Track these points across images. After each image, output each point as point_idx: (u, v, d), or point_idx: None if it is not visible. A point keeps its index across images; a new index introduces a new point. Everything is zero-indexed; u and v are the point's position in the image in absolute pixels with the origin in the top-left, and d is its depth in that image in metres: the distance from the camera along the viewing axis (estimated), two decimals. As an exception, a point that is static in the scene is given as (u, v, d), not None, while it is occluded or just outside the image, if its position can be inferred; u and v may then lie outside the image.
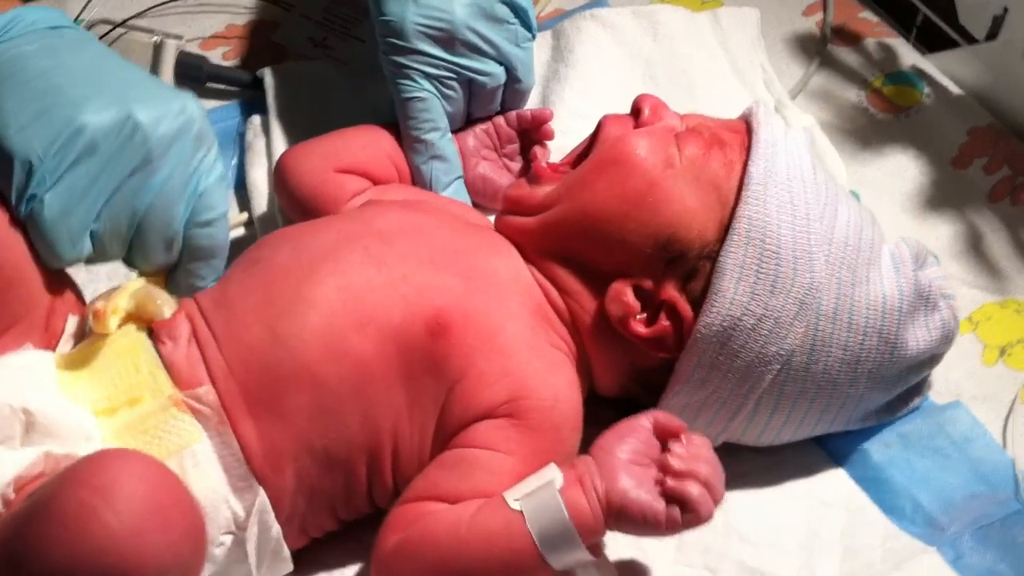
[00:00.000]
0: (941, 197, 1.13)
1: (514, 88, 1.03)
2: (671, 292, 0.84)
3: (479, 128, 1.04)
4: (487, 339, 0.81)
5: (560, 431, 0.81)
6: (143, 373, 0.78)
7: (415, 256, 0.83)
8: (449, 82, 0.98)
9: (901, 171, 1.15)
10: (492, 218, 0.96)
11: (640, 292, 0.84)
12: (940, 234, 1.10)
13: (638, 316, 0.84)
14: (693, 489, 0.75)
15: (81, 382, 0.78)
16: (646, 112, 0.88)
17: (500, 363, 0.80)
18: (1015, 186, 1.12)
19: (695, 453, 0.77)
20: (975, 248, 1.09)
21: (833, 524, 0.90)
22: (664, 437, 0.79)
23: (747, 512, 0.89)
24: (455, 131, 1.02)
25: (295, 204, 0.95)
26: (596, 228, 0.85)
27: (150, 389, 0.77)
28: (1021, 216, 1.11)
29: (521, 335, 0.83)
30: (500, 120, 1.04)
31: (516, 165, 1.06)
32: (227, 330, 0.80)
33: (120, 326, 0.80)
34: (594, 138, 0.90)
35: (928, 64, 1.23)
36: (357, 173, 0.95)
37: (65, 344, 0.82)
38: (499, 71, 1.01)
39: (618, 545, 0.86)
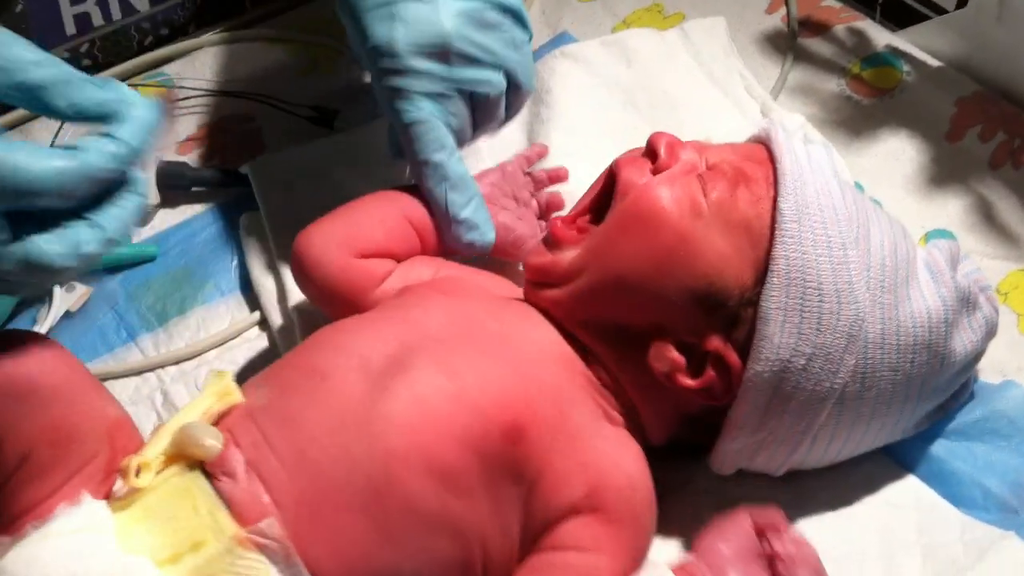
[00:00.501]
0: (942, 173, 1.12)
1: (516, 93, 0.98)
2: (715, 343, 0.81)
3: (491, 177, 1.01)
4: (558, 434, 0.79)
5: (641, 517, 0.81)
6: (202, 514, 0.75)
7: (477, 359, 0.81)
8: (450, 98, 0.93)
9: (897, 154, 1.15)
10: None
11: (683, 346, 0.82)
12: (950, 210, 1.09)
13: (683, 369, 0.82)
14: None
15: (140, 528, 0.75)
16: (662, 154, 0.85)
17: (575, 457, 0.79)
18: (1013, 149, 1.12)
19: (801, 555, 0.77)
20: (987, 218, 1.09)
21: (907, 526, 0.88)
22: (763, 532, 0.79)
23: (819, 530, 0.87)
24: (464, 148, 0.97)
25: (321, 297, 0.92)
26: (630, 291, 0.82)
27: (212, 531, 0.74)
28: (1026, 178, 1.11)
29: (584, 422, 0.81)
30: (513, 165, 1.02)
31: (531, 213, 1.03)
32: (297, 456, 0.77)
33: (166, 466, 0.77)
34: (607, 183, 0.87)
35: (902, 41, 1.23)
36: (379, 255, 0.92)
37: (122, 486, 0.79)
38: (499, 78, 0.95)
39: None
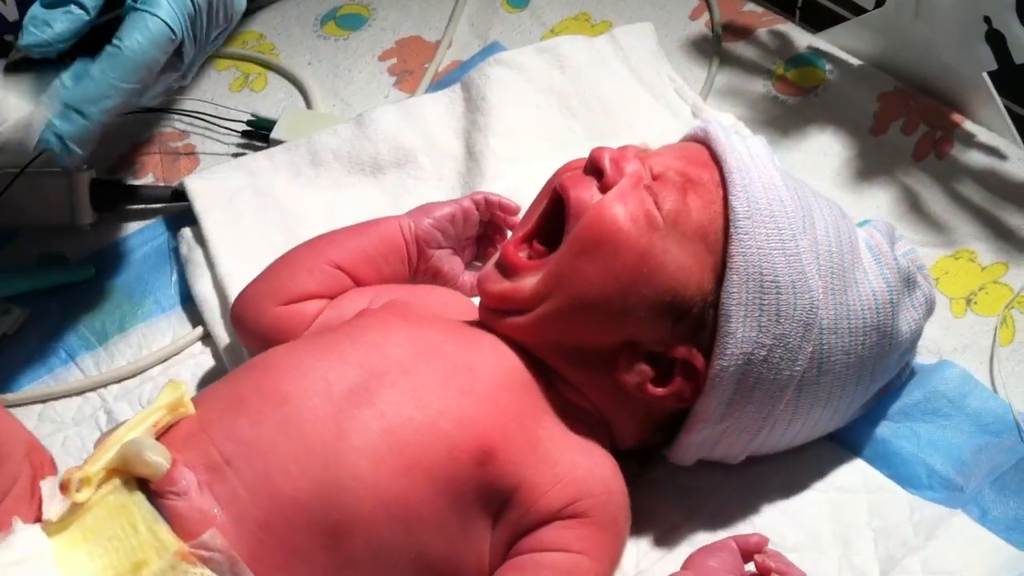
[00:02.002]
0: (869, 166, 1.16)
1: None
2: (681, 350, 0.82)
3: (438, 213, 0.99)
4: (530, 452, 0.80)
5: (619, 522, 0.82)
6: (142, 532, 0.73)
7: (441, 387, 0.80)
8: None
9: (825, 149, 1.18)
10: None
11: (650, 356, 0.83)
12: (879, 202, 1.12)
13: (652, 379, 0.83)
14: None
15: (80, 552, 0.73)
16: (608, 169, 0.83)
17: (548, 472, 0.80)
18: (936, 140, 1.16)
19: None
20: (915, 207, 1.12)
21: (858, 509, 0.90)
22: (749, 555, 0.83)
23: (772, 518, 0.89)
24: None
25: (261, 347, 0.90)
26: (597, 312, 0.82)
27: (154, 548, 0.72)
28: (949, 168, 1.14)
29: (555, 437, 0.82)
30: (468, 204, 1.01)
31: (470, 248, 1.03)
32: (261, 481, 0.75)
33: (104, 482, 0.75)
34: (552, 203, 0.86)
35: (822, 42, 1.26)
36: (308, 299, 0.93)
37: (54, 506, 0.77)
38: None
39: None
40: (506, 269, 0.85)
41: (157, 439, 0.77)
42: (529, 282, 0.83)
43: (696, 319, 0.82)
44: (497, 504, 0.79)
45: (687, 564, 0.82)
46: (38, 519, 0.76)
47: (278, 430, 0.77)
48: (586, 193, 0.83)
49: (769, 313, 0.81)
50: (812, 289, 0.82)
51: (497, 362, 0.84)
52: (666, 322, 0.82)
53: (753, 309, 0.81)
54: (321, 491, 0.75)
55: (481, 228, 1.03)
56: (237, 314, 0.94)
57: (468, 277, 1.01)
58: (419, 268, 0.98)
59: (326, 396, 0.78)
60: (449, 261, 1.00)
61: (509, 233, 1.01)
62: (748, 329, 0.81)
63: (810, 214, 0.85)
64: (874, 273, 0.86)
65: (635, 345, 0.82)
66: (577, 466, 0.81)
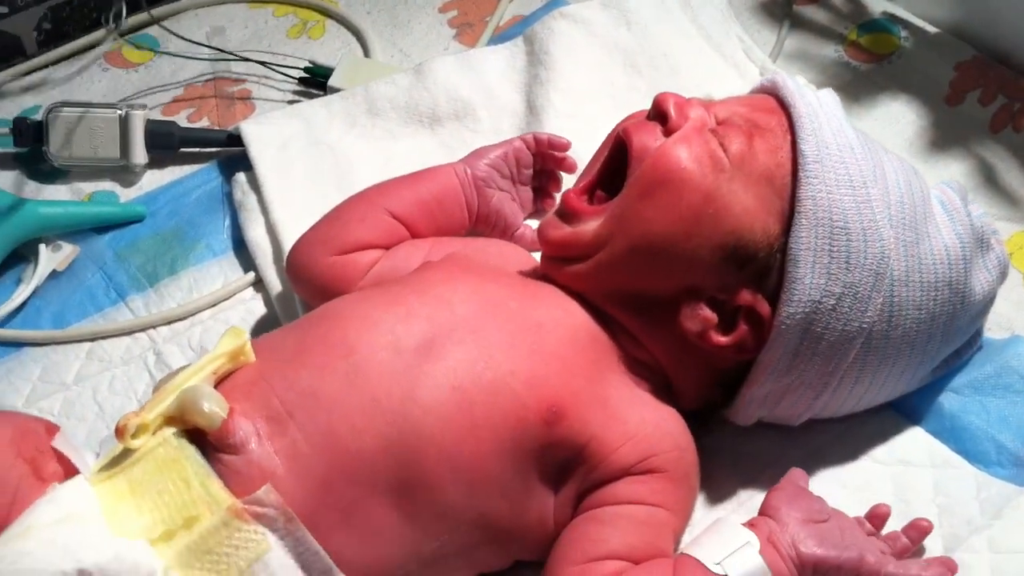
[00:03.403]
0: (943, 137, 1.12)
1: None
2: (746, 296, 0.80)
3: (494, 154, 0.97)
4: (597, 410, 0.78)
5: (690, 476, 0.81)
6: (194, 487, 0.71)
7: (509, 344, 0.79)
8: None
9: (898, 117, 1.14)
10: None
11: (714, 303, 0.81)
12: (952, 173, 1.09)
13: (715, 326, 0.81)
14: None
15: (128, 506, 0.71)
16: (672, 114, 0.82)
17: (618, 429, 0.78)
18: (1014, 113, 1.11)
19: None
20: (989, 180, 1.08)
21: (922, 484, 0.87)
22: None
23: (834, 489, 0.86)
24: None
25: (317, 297, 0.89)
26: (660, 256, 0.80)
27: (206, 504, 0.70)
28: (1026, 141, 1.10)
29: (623, 394, 0.80)
30: (519, 144, 0.99)
31: (527, 193, 1.01)
32: (324, 433, 0.74)
33: (159, 429, 0.74)
34: (615, 150, 0.85)
35: (898, 8, 1.22)
36: (362, 249, 0.91)
37: (92, 456, 0.75)
38: None
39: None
40: (567, 215, 0.84)
41: (216, 387, 0.75)
42: (590, 227, 0.82)
43: (762, 265, 0.79)
44: (564, 463, 0.78)
45: (767, 511, 0.80)
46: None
47: (344, 381, 0.75)
48: (649, 137, 0.82)
49: (839, 260, 0.78)
50: (883, 238, 0.79)
51: (563, 319, 0.82)
52: (730, 267, 0.79)
53: (822, 255, 0.78)
54: (387, 447, 0.74)
55: (535, 180, 1.01)
56: (292, 263, 0.93)
57: (527, 230, 0.99)
58: (480, 213, 0.96)
59: (394, 349, 0.77)
60: (509, 204, 0.98)
61: (565, 181, 1.00)
62: (817, 276, 0.78)
63: (880, 165, 0.82)
64: (947, 229, 0.84)
65: (698, 291, 0.80)
66: (646, 422, 0.79)
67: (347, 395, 0.75)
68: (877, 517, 0.83)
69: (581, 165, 0.94)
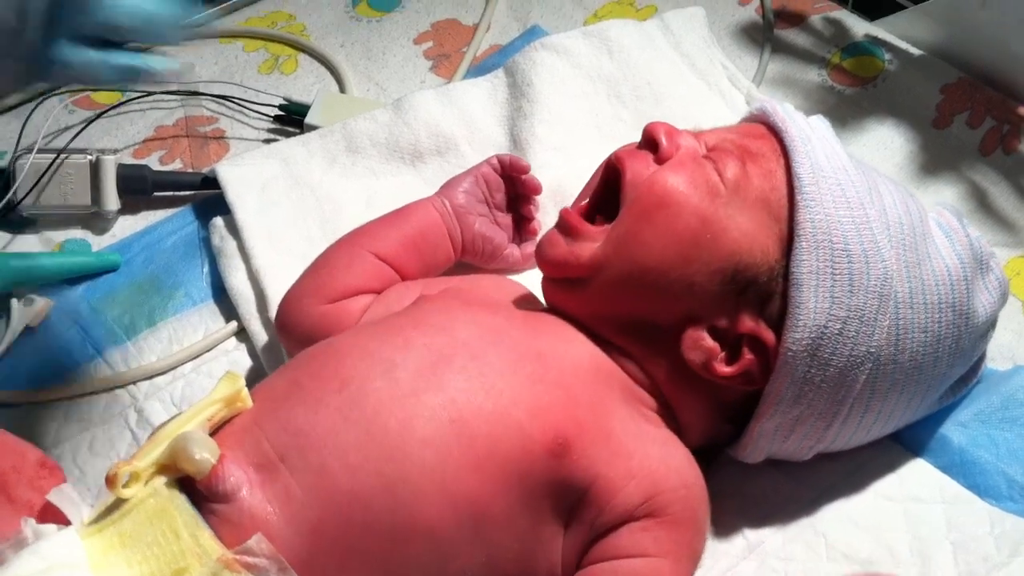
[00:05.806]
0: (933, 161, 1.10)
1: None
2: (748, 324, 0.78)
3: (466, 182, 0.97)
4: (603, 443, 0.76)
5: (697, 515, 0.78)
6: (184, 537, 0.69)
7: (512, 372, 0.76)
8: None
9: (886, 142, 1.13)
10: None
11: (716, 332, 0.79)
12: (945, 197, 1.07)
13: (719, 356, 0.79)
14: None
15: (117, 558, 0.69)
16: (663, 142, 0.82)
17: (623, 466, 0.76)
18: (1003, 135, 1.10)
19: None
20: (983, 205, 1.07)
21: (935, 520, 0.85)
22: None
23: (844, 528, 0.85)
24: None
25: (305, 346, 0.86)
26: (659, 281, 0.79)
27: (195, 555, 0.68)
28: (1018, 164, 1.09)
29: (628, 428, 0.78)
30: (486, 168, 0.98)
31: (506, 219, 0.99)
32: (316, 473, 0.71)
33: (151, 478, 0.71)
34: (606, 179, 0.84)
35: (880, 30, 1.21)
36: (353, 295, 0.89)
37: (84, 508, 0.73)
38: None
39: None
40: (567, 230, 0.83)
41: (212, 435, 0.73)
42: (588, 248, 0.81)
43: (763, 290, 0.78)
44: (570, 502, 0.75)
45: None
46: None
47: (338, 416, 0.73)
48: (642, 165, 0.82)
49: (842, 283, 0.77)
50: (885, 259, 0.78)
51: (565, 349, 0.80)
52: (730, 293, 0.78)
53: (825, 278, 0.77)
54: (383, 485, 0.71)
55: (510, 207, 0.99)
56: (282, 320, 0.90)
57: (515, 250, 0.99)
58: (464, 240, 0.95)
59: (390, 379, 0.74)
60: (491, 226, 0.98)
61: (536, 201, 0.99)
62: (820, 300, 0.77)
63: (876, 187, 0.81)
64: (947, 249, 0.83)
65: (698, 319, 0.79)
66: (651, 457, 0.77)
67: (341, 430, 0.72)
68: None
69: (569, 196, 0.92)
